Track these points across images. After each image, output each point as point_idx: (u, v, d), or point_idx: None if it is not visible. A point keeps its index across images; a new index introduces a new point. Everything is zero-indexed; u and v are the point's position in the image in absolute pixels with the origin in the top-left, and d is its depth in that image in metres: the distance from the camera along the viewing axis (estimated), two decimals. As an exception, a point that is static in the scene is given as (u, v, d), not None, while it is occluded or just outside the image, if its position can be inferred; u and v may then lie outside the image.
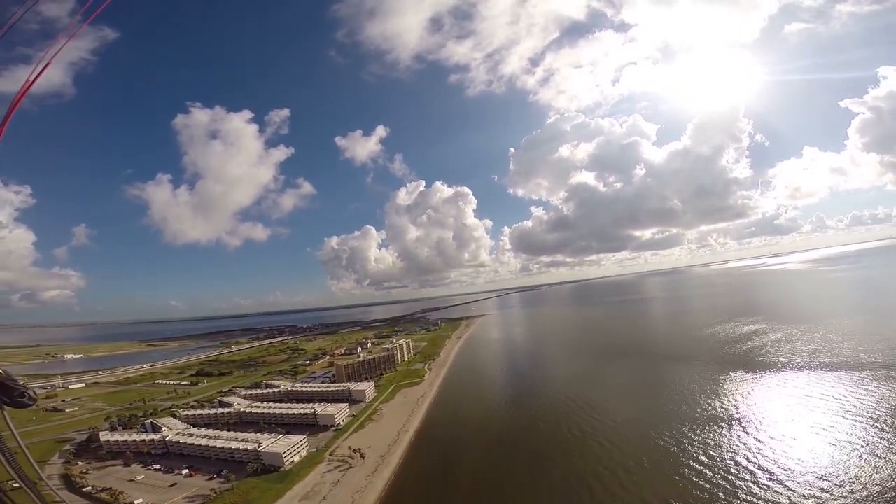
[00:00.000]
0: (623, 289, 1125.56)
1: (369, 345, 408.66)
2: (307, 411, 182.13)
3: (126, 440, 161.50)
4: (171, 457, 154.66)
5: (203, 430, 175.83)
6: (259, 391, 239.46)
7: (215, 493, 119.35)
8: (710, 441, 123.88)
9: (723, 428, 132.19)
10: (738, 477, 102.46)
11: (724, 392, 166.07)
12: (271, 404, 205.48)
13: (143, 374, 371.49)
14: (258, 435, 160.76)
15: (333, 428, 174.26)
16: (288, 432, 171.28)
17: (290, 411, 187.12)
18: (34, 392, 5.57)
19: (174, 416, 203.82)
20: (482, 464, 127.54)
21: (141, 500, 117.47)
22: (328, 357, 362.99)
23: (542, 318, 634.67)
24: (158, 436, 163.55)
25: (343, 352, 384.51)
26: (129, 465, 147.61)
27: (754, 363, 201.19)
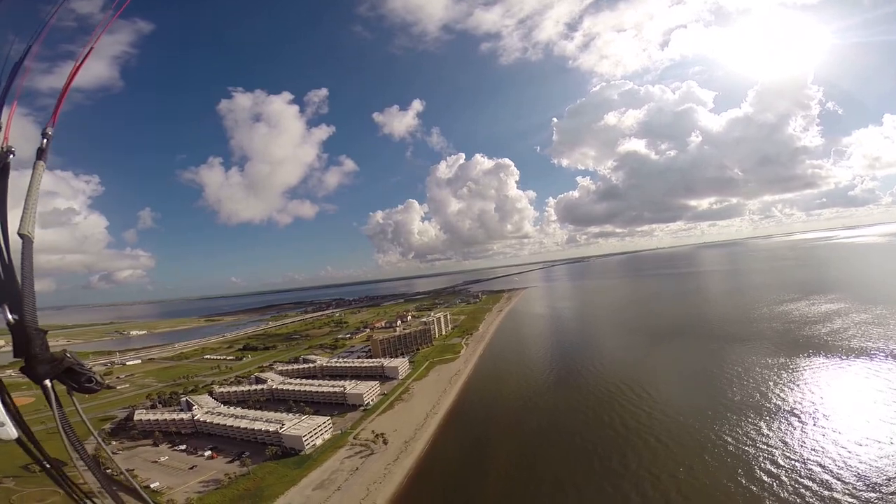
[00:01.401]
0: (677, 261, 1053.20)
1: (409, 318, 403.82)
2: (336, 390, 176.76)
3: (157, 419, 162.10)
4: (199, 436, 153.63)
5: (232, 408, 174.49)
6: (295, 366, 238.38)
7: (230, 478, 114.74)
8: (781, 443, 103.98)
9: (798, 427, 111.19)
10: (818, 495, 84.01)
11: (800, 382, 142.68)
12: (303, 381, 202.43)
13: (195, 349, 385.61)
14: (283, 415, 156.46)
15: (362, 408, 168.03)
16: (317, 411, 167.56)
17: (319, 389, 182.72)
18: (101, 377, 5.63)
19: (210, 393, 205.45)
20: (513, 457, 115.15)
21: (157, 484, 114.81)
22: (368, 331, 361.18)
23: (588, 292, 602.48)
24: (188, 415, 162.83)
25: (383, 325, 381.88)
26: (157, 446, 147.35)
27: (835, 348, 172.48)
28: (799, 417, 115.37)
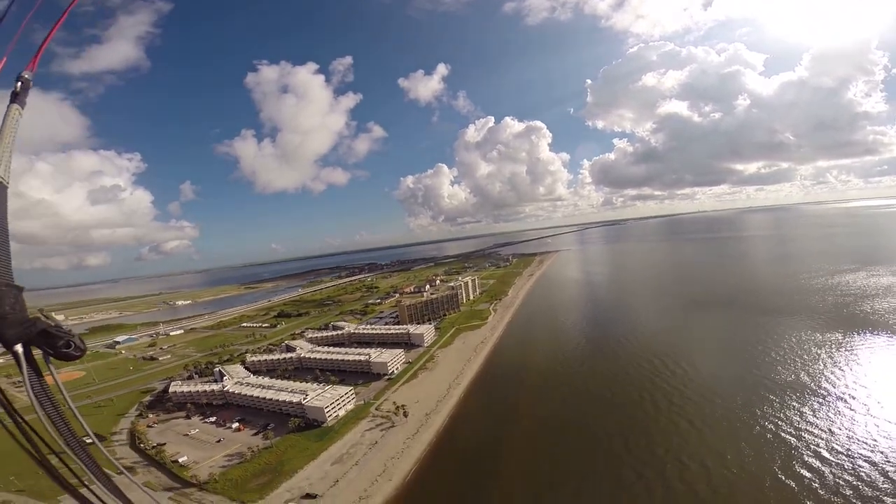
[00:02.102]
0: (721, 225, 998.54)
1: (437, 282, 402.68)
2: (361, 358, 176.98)
3: (190, 391, 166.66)
4: (229, 408, 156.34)
5: (260, 378, 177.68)
6: (324, 334, 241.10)
7: (252, 452, 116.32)
8: (827, 433, 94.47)
9: (849, 416, 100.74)
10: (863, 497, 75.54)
11: (854, 364, 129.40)
12: (330, 349, 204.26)
13: (233, 318, 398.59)
14: (307, 385, 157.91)
15: (386, 377, 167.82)
16: (342, 380, 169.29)
17: (346, 357, 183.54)
18: (81, 341, 5.05)
19: (243, 362, 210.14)
20: (537, 435, 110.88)
21: (185, 458, 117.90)
22: (397, 296, 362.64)
23: (625, 256, 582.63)
24: (218, 386, 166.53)
25: (412, 290, 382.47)
26: (190, 418, 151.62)
27: None
28: (850, 405, 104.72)
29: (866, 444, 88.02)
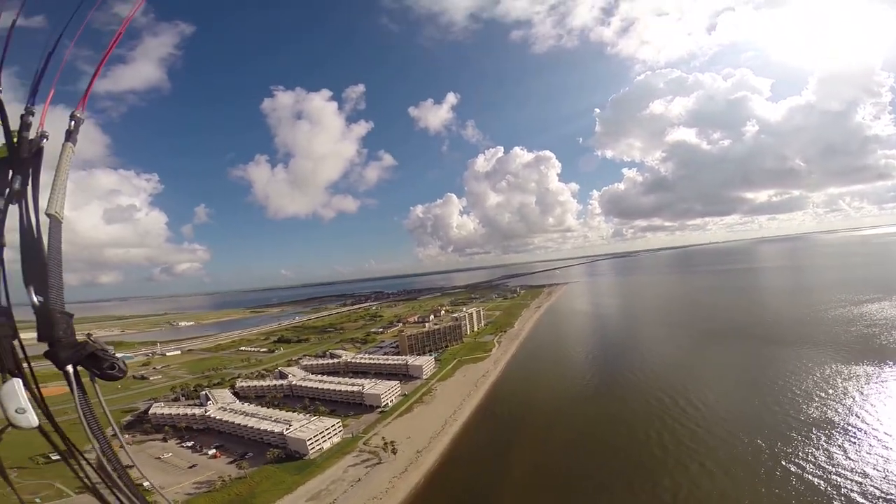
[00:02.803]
0: (734, 256, 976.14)
1: (442, 312, 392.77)
2: (354, 389, 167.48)
3: (171, 413, 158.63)
4: (209, 433, 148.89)
5: (245, 405, 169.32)
6: (320, 361, 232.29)
7: (224, 481, 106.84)
8: (864, 471, 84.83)
9: (890, 453, 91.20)
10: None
11: (891, 397, 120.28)
12: (323, 378, 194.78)
13: (233, 341, 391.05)
14: (293, 415, 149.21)
15: (379, 409, 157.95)
16: (333, 411, 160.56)
17: (338, 387, 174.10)
18: (124, 363, 5.78)
19: (232, 387, 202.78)
20: (536, 479, 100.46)
21: (149, 483, 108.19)
22: (400, 325, 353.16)
23: (634, 289, 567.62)
24: (200, 410, 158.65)
25: (416, 319, 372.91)
26: (166, 441, 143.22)
27: None
28: (885, 443, 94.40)
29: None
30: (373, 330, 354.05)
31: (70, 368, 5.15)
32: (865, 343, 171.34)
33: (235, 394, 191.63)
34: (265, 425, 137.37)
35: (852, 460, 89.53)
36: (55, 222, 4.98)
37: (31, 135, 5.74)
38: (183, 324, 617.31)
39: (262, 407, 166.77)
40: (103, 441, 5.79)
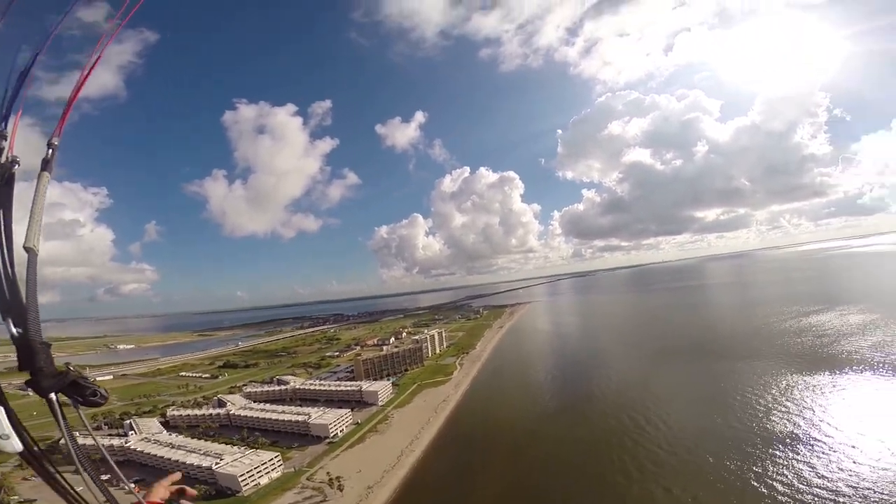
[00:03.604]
0: (684, 274, 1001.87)
1: (404, 334, 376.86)
2: (299, 418, 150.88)
3: (85, 444, 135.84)
4: (132, 465, 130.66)
5: (174, 436, 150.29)
6: (265, 388, 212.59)
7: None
8: (836, 488, 79.49)
9: (859, 464, 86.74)
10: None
11: (853, 405, 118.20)
12: (265, 406, 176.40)
13: (174, 366, 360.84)
14: (226, 447, 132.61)
15: (327, 440, 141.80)
16: (275, 442, 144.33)
17: (281, 417, 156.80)
18: (105, 391, 5.66)
19: (162, 416, 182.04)
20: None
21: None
22: (358, 348, 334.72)
23: (593, 307, 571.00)
24: (119, 441, 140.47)
25: (376, 342, 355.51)
26: (80, 474, 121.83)
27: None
28: (854, 453, 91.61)
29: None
30: (328, 354, 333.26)
31: (53, 397, 5.04)
32: (815, 353, 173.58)
33: (166, 423, 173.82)
34: (192, 459, 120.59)
35: (818, 473, 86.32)
36: (32, 255, 4.97)
37: (1, 159, 5.41)
38: (122, 347, 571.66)
39: (194, 438, 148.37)
40: (88, 464, 5.69)
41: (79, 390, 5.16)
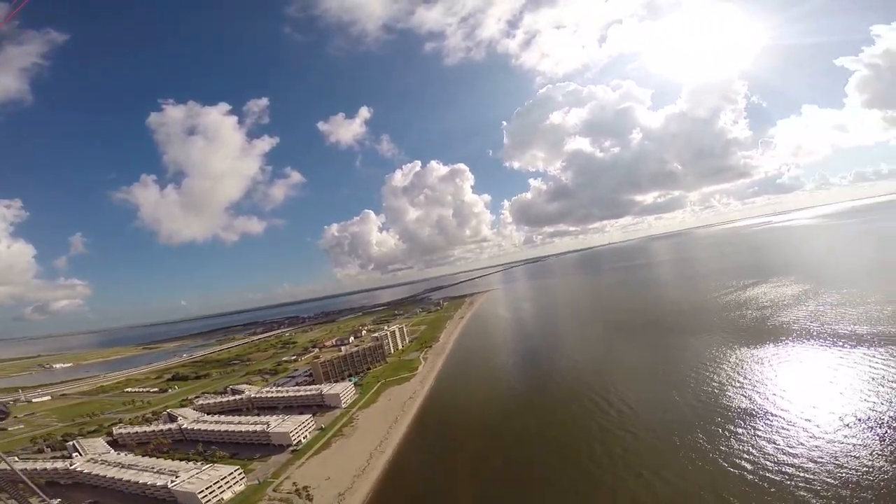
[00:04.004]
0: (629, 254, 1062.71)
1: (364, 332, 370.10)
2: (257, 428, 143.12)
3: (27, 469, 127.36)
4: (82, 489, 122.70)
5: (123, 455, 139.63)
6: (219, 399, 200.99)
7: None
8: (795, 464, 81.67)
9: (822, 431, 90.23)
10: None
11: (805, 374, 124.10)
12: (220, 418, 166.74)
13: (118, 382, 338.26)
14: (180, 464, 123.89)
15: (290, 448, 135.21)
16: (234, 455, 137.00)
17: (238, 428, 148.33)
18: (6, 406, 5.84)
19: (109, 434, 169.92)
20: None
21: None
22: (316, 351, 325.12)
23: (547, 291, 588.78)
24: (64, 464, 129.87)
25: (334, 343, 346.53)
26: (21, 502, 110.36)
27: (827, 334, 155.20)
28: (811, 423, 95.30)
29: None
30: (284, 359, 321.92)
31: None
32: (759, 326, 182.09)
33: (113, 442, 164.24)
34: (145, 478, 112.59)
35: (780, 449, 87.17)
36: None
37: None
38: (58, 366, 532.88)
39: (145, 456, 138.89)
40: (9, 487, 5.93)
41: None
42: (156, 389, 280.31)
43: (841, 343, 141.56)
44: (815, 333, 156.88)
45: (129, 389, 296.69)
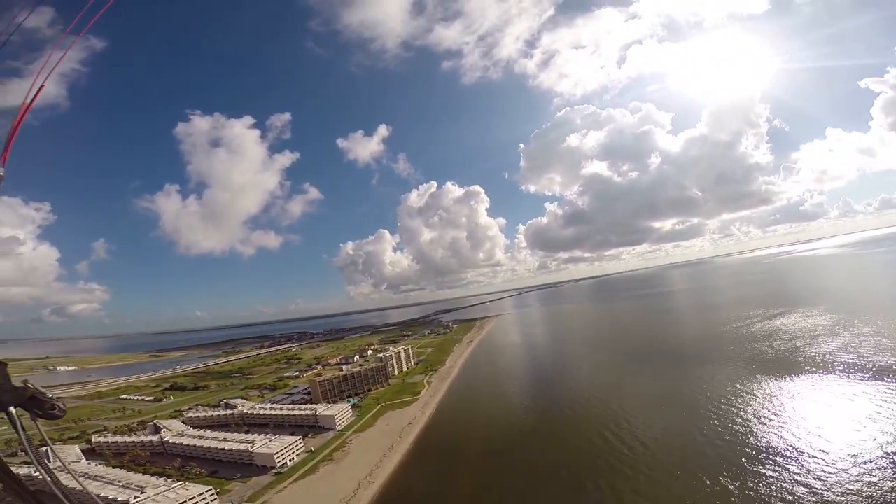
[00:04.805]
0: (645, 282, 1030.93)
1: (369, 352, 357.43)
2: (241, 447, 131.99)
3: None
4: (43, 496, 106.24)
5: (93, 465, 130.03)
6: (210, 413, 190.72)
7: None
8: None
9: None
10: None
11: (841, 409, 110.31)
12: (204, 433, 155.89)
13: (116, 388, 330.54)
14: (149, 479, 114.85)
15: (274, 470, 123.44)
16: (214, 473, 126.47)
17: (221, 445, 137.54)
18: (63, 404, 6.40)
19: (88, 443, 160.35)
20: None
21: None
22: (319, 367, 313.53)
23: (560, 317, 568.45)
24: (28, 471, 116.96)
25: (338, 361, 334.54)
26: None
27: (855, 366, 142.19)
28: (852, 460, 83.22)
29: None
30: (287, 374, 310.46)
31: (12, 410, 5.52)
32: (791, 356, 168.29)
33: (91, 450, 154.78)
34: (108, 491, 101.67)
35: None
36: None
37: None
38: (62, 369, 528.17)
39: (118, 468, 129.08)
40: (51, 472, 6.13)
41: (39, 404, 5.65)
42: (151, 398, 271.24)
43: (884, 376, 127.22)
44: (853, 365, 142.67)
45: (124, 396, 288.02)
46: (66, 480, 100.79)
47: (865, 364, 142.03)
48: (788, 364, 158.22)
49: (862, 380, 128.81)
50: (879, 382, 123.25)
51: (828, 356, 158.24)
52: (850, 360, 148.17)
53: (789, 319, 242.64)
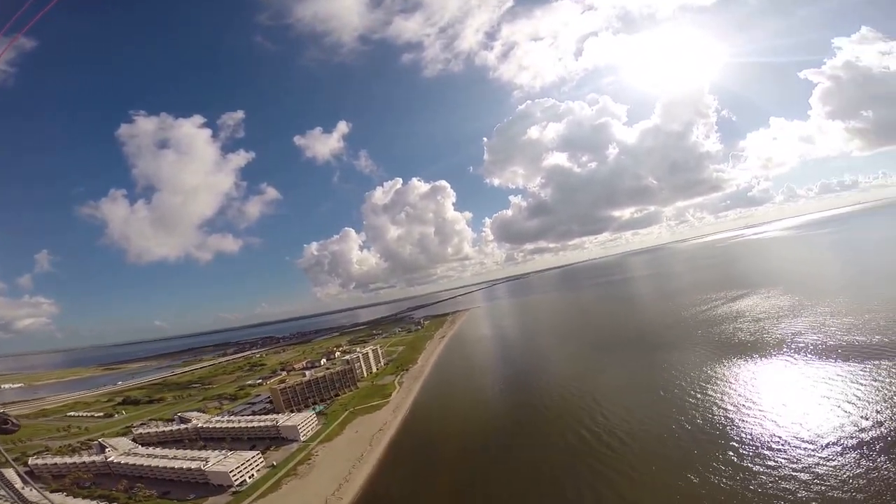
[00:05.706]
0: (608, 270, 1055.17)
1: (337, 354, 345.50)
2: (192, 465, 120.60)
3: None
4: None
5: (29, 490, 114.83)
6: (161, 429, 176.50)
7: None
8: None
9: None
10: None
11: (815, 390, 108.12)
12: (153, 451, 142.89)
13: (63, 405, 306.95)
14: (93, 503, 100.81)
15: (231, 489, 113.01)
16: (166, 494, 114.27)
17: (171, 464, 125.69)
18: (16, 419, 6.12)
19: (25, 465, 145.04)
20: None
21: None
22: (283, 374, 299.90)
23: (529, 307, 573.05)
24: None
25: (304, 365, 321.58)
26: None
27: (787, 347, 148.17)
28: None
29: None
30: (249, 382, 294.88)
31: None
32: (758, 339, 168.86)
33: (29, 473, 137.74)
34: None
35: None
36: None
37: None
38: (7, 386, 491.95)
39: (57, 492, 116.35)
40: (9, 485, 6.37)
41: None
42: (101, 414, 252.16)
43: (850, 354, 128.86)
44: (822, 346, 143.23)
45: (72, 413, 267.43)
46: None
47: (829, 343, 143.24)
48: (756, 346, 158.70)
49: (830, 359, 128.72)
50: (846, 362, 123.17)
51: (796, 337, 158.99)
52: (816, 341, 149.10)
53: (750, 301, 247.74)
